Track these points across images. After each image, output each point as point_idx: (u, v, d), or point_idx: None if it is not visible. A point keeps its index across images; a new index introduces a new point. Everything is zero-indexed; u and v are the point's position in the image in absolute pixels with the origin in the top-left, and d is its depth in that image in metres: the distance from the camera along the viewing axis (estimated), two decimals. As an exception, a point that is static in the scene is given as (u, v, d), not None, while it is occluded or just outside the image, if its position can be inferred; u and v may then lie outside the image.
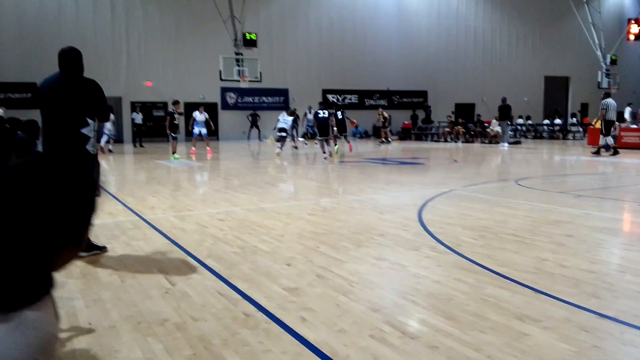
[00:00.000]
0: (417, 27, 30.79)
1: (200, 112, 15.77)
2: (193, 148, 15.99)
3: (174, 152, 14.91)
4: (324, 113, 14.76)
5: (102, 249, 4.55)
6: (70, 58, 4.23)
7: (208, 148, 16.53)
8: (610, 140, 15.29)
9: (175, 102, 15.14)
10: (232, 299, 3.33)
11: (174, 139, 14.99)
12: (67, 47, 4.29)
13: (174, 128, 15.01)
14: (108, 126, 17.93)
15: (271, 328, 2.87)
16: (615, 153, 14.96)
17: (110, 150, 18.43)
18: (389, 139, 23.59)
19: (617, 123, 17.46)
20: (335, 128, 15.47)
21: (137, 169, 13.56)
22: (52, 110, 4.19)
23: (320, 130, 14.80)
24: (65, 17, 22.85)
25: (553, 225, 5.47)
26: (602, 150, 15.25)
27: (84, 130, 4.20)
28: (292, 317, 3.02)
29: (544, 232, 5.17)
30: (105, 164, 14.21)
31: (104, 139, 17.98)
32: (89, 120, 4.24)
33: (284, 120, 16.88)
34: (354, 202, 7.14)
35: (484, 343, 2.64)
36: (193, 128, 15.74)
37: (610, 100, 15.39)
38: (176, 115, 14.94)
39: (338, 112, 16.04)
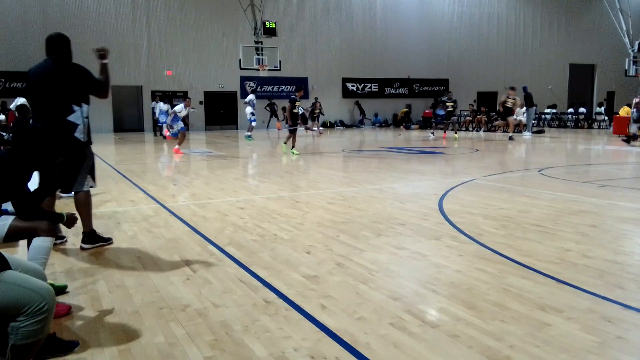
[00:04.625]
0: (439, 14, 30.36)
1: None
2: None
3: (287, 144, 13.24)
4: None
5: (108, 240, 4.46)
6: (57, 44, 4.09)
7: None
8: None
9: (299, 89, 13.12)
10: (252, 286, 3.36)
11: (293, 131, 12.96)
12: (54, 32, 4.17)
13: (295, 118, 13.26)
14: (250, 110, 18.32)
15: (291, 315, 2.88)
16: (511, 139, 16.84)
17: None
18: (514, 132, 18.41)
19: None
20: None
21: (158, 157, 13.71)
22: (39, 98, 4.08)
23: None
24: (87, 8, 23.07)
25: (577, 216, 5.38)
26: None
27: (71, 118, 4.08)
28: (312, 304, 3.03)
29: (567, 222, 5.09)
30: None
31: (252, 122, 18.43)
32: (75, 107, 4.10)
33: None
34: (374, 191, 7.11)
35: (506, 333, 2.61)
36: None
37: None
38: (297, 103, 13.09)
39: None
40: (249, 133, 18.23)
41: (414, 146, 15.86)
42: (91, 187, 4.40)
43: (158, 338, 2.63)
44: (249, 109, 18.26)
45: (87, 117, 4.23)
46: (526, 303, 2.99)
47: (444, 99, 19.41)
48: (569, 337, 2.57)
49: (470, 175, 8.65)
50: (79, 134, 4.13)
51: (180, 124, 13.75)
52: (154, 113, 21.64)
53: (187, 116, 14.33)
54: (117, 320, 2.86)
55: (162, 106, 19.93)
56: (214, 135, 22.38)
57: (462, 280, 3.41)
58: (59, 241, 4.38)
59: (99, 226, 4.92)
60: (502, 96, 17.94)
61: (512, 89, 17.48)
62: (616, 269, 3.63)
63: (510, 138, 17.20)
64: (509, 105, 17.38)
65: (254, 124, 18.24)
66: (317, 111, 22.71)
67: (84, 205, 4.34)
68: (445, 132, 19.35)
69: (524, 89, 19.94)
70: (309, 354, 2.43)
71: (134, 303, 3.10)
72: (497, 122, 19.56)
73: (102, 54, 4.30)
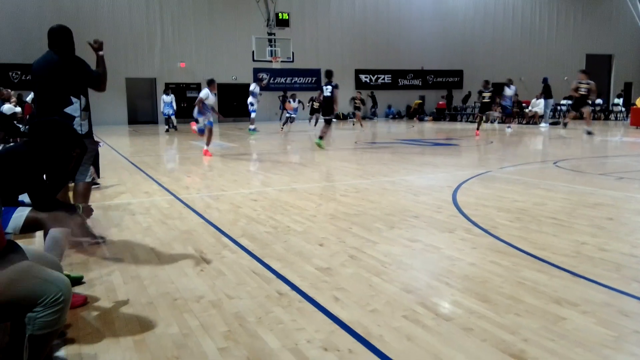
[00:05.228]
0: (453, 4, 30.04)
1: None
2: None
3: (324, 139, 12.24)
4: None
5: (98, 239, 4.31)
6: (59, 36, 4.10)
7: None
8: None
9: (331, 73, 12.41)
10: (266, 278, 3.37)
11: (331, 121, 12.35)
12: (55, 25, 4.17)
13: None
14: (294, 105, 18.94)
15: (304, 307, 2.89)
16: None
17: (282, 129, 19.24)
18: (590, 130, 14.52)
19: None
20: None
21: (171, 149, 13.79)
22: (40, 90, 4.11)
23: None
24: (101, 1, 23.18)
25: (593, 208, 5.31)
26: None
27: (68, 110, 4.07)
28: (325, 296, 3.03)
29: (583, 215, 5.03)
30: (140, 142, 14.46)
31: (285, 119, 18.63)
32: (73, 99, 4.09)
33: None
34: (387, 184, 7.09)
35: (520, 326, 2.59)
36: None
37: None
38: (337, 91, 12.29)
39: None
40: (252, 127, 17.71)
41: (427, 138, 15.76)
42: (93, 179, 4.37)
43: (172, 329, 2.65)
44: (249, 99, 17.57)
45: (86, 109, 4.22)
46: (541, 296, 2.97)
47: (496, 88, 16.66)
48: (585, 331, 2.54)
49: (484, 167, 8.58)
50: (76, 126, 4.12)
51: (209, 117, 10.86)
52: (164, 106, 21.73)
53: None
54: (132, 311, 2.89)
55: (166, 98, 19.97)
56: (227, 127, 22.45)
57: (476, 273, 3.39)
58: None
59: (114, 217, 4.98)
60: (573, 83, 14.94)
61: (584, 72, 14.57)
62: (633, 262, 3.58)
63: (589, 133, 14.27)
64: (582, 92, 14.24)
65: (253, 114, 17.60)
66: (357, 101, 22.56)
67: (82, 196, 4.30)
68: (478, 127, 16.57)
69: (545, 79, 19.74)
70: (322, 346, 2.43)
71: (149, 294, 3.13)
72: (569, 114, 16.53)
73: (97, 46, 4.34)
